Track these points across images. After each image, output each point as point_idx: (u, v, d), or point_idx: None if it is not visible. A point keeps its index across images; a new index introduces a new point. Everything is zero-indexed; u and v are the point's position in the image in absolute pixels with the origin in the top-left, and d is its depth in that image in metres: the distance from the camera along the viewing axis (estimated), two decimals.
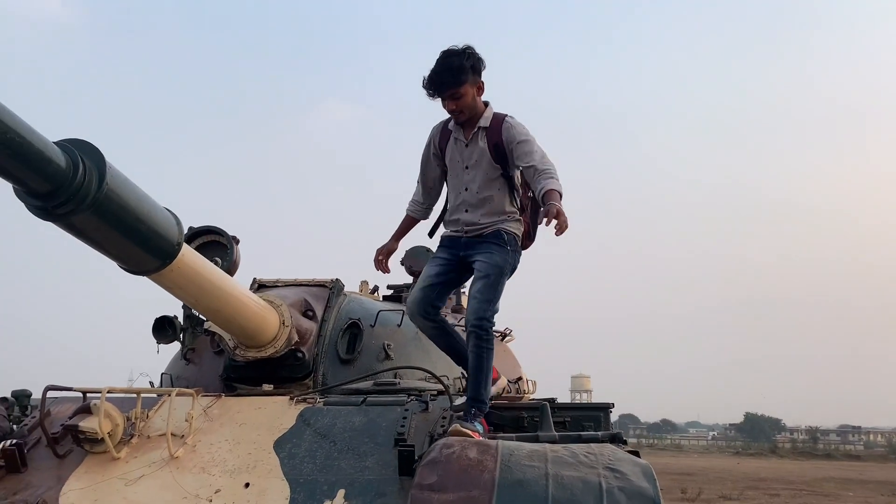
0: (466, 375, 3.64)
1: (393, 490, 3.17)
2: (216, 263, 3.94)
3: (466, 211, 3.57)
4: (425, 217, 3.92)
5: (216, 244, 4.55)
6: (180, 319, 4.87)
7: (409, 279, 5.95)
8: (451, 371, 4.36)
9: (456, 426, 3.21)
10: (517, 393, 5.64)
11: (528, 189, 3.66)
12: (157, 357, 4.93)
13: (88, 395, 3.58)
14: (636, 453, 3.03)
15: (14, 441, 3.47)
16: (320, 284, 4.85)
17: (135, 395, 3.67)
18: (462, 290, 5.48)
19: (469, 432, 3.16)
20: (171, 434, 3.47)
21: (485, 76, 3.53)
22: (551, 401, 4.26)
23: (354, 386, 4.13)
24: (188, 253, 3.30)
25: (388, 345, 4.64)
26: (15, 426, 3.74)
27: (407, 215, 3.93)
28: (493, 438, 3.22)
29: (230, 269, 4.28)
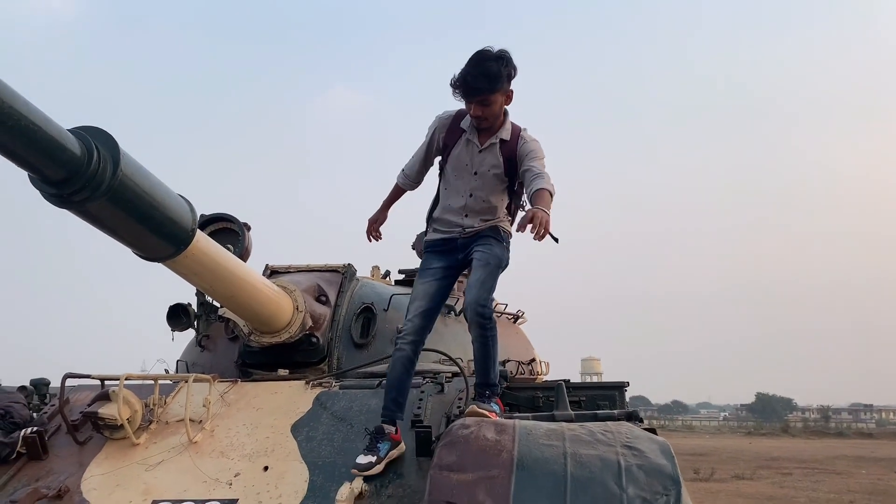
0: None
1: (411, 470, 3.20)
2: (228, 250, 3.95)
3: (467, 216, 3.48)
4: (412, 189, 3.79)
5: (228, 231, 4.57)
6: (194, 307, 4.90)
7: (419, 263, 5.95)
8: (466, 353, 4.37)
9: (473, 407, 3.22)
10: (530, 374, 5.65)
11: (522, 201, 3.59)
12: (171, 345, 4.97)
13: (106, 382, 3.61)
14: (653, 431, 3.03)
15: (35, 429, 3.50)
16: (332, 270, 4.87)
17: (152, 382, 3.70)
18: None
19: (486, 412, 3.17)
20: (190, 419, 3.50)
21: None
22: (566, 381, 4.26)
23: (369, 369, 4.16)
24: (202, 239, 3.30)
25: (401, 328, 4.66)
26: (35, 414, 3.76)
27: (396, 185, 3.78)
28: (510, 418, 3.23)
29: (242, 255, 4.29)
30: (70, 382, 3.60)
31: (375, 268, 5.94)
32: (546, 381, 5.24)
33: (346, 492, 2.89)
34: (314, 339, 4.35)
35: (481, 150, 3.44)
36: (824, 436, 39.54)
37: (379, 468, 3.11)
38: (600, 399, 3.96)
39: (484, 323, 3.29)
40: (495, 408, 3.34)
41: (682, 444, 27.11)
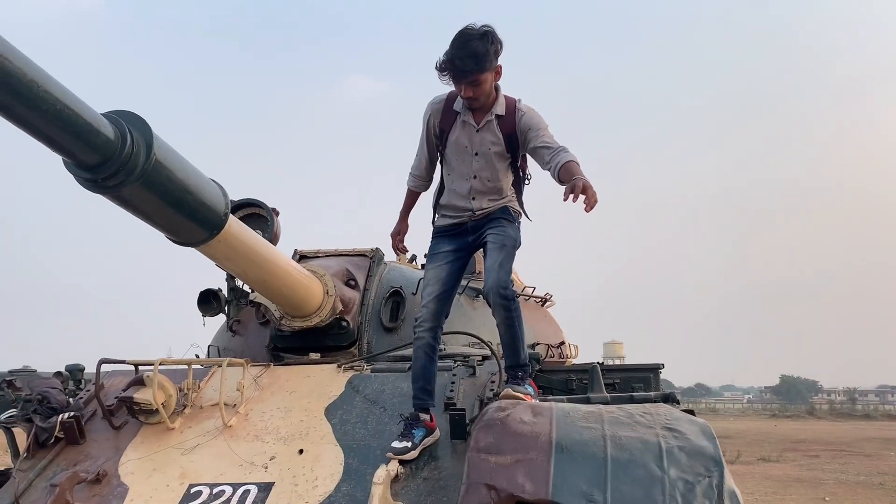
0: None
1: (446, 453, 3.19)
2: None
3: (474, 198, 3.43)
4: (426, 189, 3.73)
5: (256, 216, 4.58)
6: (224, 292, 4.92)
7: None
8: (495, 336, 4.35)
9: (507, 390, 3.20)
10: (560, 357, 5.63)
11: (526, 173, 3.54)
12: (199, 330, 4.99)
13: (141, 367, 3.63)
14: (691, 412, 2.99)
15: (72, 414, 3.53)
16: (360, 254, 4.88)
17: (185, 367, 3.72)
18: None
19: (521, 395, 3.15)
20: (224, 404, 3.51)
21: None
22: (600, 363, 4.23)
23: (400, 353, 4.14)
24: (234, 224, 3.30)
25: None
26: (71, 399, 3.80)
27: (409, 190, 3.73)
28: (544, 401, 3.21)
29: (271, 240, 4.29)
30: (104, 368, 3.63)
31: None
32: (577, 363, 5.22)
33: (382, 474, 2.88)
34: (344, 323, 4.36)
35: (479, 130, 3.37)
36: (851, 418, 39.11)
37: (414, 454, 3.10)
38: (634, 381, 3.93)
39: (507, 304, 3.24)
40: (529, 389, 3.30)
41: None
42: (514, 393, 3.15)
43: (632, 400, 3.24)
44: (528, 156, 3.47)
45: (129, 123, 2.58)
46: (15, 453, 3.82)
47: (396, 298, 4.68)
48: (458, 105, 3.39)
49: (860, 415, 41.50)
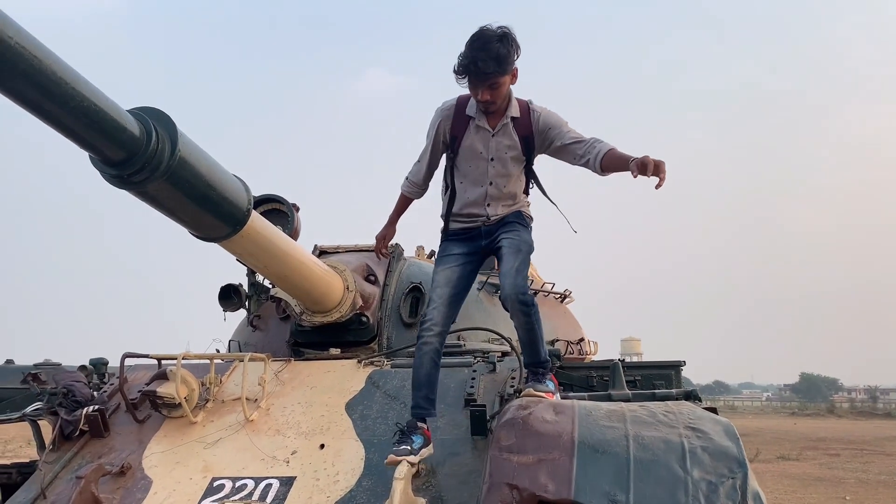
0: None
1: (466, 450, 3.19)
2: None
3: (489, 205, 3.35)
4: (420, 198, 3.63)
5: (277, 212, 4.60)
6: (245, 287, 4.95)
7: None
8: (515, 332, 4.35)
9: (529, 390, 3.16)
10: (579, 354, 5.61)
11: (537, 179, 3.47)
12: (219, 325, 5.03)
13: (163, 361, 3.66)
14: (714, 410, 2.97)
15: (96, 407, 3.57)
16: None
17: (207, 362, 3.74)
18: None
19: (542, 394, 3.13)
20: (246, 398, 3.53)
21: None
22: (621, 360, 4.21)
23: None
24: (257, 219, 3.32)
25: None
26: (95, 393, 3.84)
27: (402, 196, 3.61)
28: (565, 398, 3.19)
29: (292, 236, 4.31)
30: (128, 362, 3.66)
31: (420, 248, 5.94)
32: (597, 360, 5.19)
33: (403, 470, 2.88)
34: (364, 319, 4.37)
35: (494, 134, 3.28)
36: (872, 416, 38.70)
37: (413, 459, 2.99)
38: (655, 378, 3.91)
39: (527, 310, 3.17)
40: (550, 385, 3.26)
41: None
42: (535, 393, 3.13)
43: (654, 398, 3.21)
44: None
45: (154, 120, 2.61)
46: (41, 446, 3.87)
47: (416, 294, 4.68)
48: (470, 109, 3.29)
49: (881, 413, 41.06)
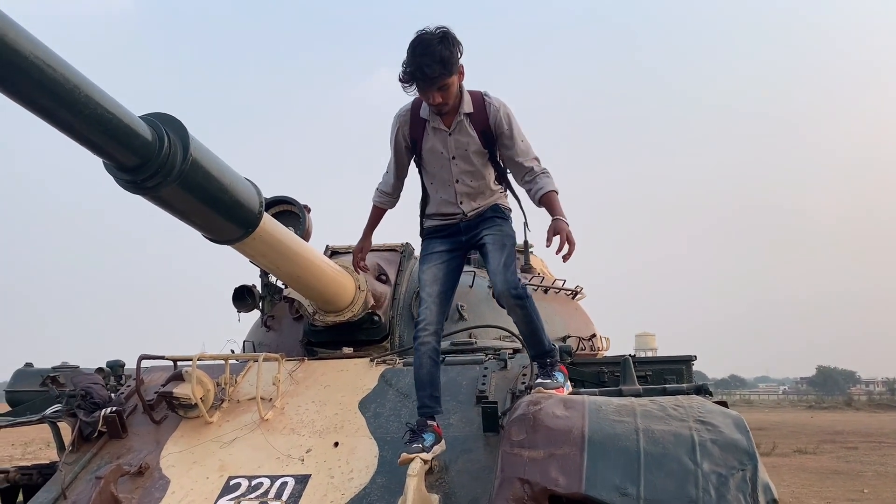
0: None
1: (478, 446, 3.21)
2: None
3: (462, 202, 3.37)
4: (393, 207, 3.64)
5: (288, 213, 4.65)
6: (258, 288, 5.00)
7: None
8: None
9: (539, 389, 3.18)
10: (591, 350, 5.62)
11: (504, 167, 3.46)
12: (234, 326, 5.09)
13: (179, 362, 3.71)
14: (724, 404, 2.98)
15: (114, 408, 3.63)
16: (391, 249, 4.93)
17: (222, 362, 3.79)
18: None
19: (553, 391, 3.15)
20: (261, 398, 3.58)
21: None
22: (632, 356, 4.22)
23: None
24: (268, 221, 3.36)
25: (461, 306, 4.68)
26: (112, 394, 3.90)
27: (374, 207, 3.61)
28: (576, 394, 3.21)
29: (303, 237, 4.36)
30: (144, 364, 3.72)
31: None
32: (608, 356, 5.20)
33: (417, 466, 2.91)
34: (376, 318, 4.42)
35: (451, 133, 3.28)
36: (890, 409, 38.35)
37: (427, 456, 3.02)
38: (667, 373, 3.92)
39: (522, 304, 3.20)
40: (560, 377, 3.25)
41: None
42: (545, 392, 3.14)
43: (664, 392, 3.22)
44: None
45: (166, 125, 2.65)
46: (60, 447, 3.93)
47: None
48: (423, 112, 3.29)
49: None
